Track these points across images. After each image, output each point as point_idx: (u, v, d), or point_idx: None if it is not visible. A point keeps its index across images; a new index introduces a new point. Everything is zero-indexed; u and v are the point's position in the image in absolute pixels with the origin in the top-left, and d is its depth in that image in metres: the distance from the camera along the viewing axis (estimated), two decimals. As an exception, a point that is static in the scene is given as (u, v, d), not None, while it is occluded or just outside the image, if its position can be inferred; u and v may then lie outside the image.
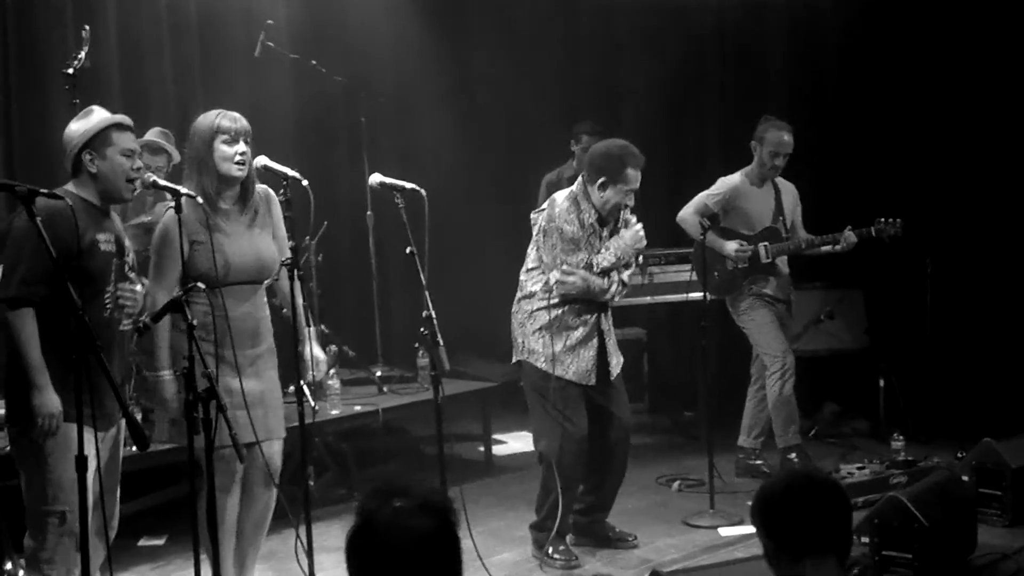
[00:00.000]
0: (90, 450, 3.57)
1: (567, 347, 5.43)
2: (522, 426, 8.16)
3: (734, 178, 6.79)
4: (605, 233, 5.52)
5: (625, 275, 5.55)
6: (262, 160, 4.70)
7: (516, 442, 7.85)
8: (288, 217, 4.61)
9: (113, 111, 6.88)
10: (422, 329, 4.71)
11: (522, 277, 5.59)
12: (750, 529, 5.85)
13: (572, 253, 5.40)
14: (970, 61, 7.87)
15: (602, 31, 8.77)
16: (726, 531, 5.87)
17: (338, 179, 8.00)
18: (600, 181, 5.43)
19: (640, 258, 5.97)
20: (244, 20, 7.60)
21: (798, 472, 2.92)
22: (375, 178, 5.08)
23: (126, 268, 4.24)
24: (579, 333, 5.45)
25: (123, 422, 4.21)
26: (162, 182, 4.41)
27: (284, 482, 5.41)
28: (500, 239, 8.15)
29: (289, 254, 4.66)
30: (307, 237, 6.61)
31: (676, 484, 6.70)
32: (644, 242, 5.55)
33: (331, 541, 5.86)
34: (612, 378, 5.59)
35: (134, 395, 5.77)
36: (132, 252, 4.34)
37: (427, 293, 4.83)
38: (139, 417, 5.50)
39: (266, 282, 4.80)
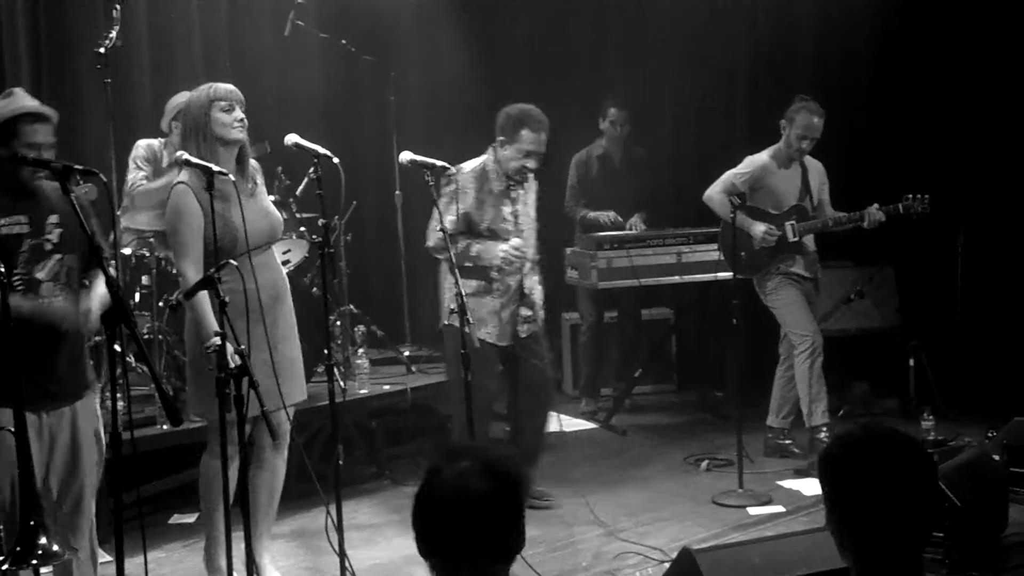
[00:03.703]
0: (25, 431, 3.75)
1: (490, 311, 5.67)
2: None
3: (762, 156, 6.75)
4: (520, 192, 5.72)
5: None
6: (293, 138, 4.72)
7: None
8: (319, 195, 4.62)
9: (143, 89, 7.02)
10: (451, 308, 4.72)
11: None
12: (778, 508, 5.87)
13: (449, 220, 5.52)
14: (1000, 35, 7.78)
15: (631, 9, 8.72)
16: (755, 510, 5.86)
17: (367, 159, 8.01)
18: (500, 141, 5.66)
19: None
20: (273, -1, 7.63)
21: (877, 428, 2.41)
22: (405, 156, 5.10)
23: (46, 247, 4.07)
24: (501, 298, 5.69)
25: (79, 404, 4.20)
26: (194, 160, 4.43)
27: (314, 461, 5.46)
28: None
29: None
30: (336, 216, 6.64)
31: (704, 463, 6.69)
32: (513, 264, 5.63)
33: (360, 519, 5.90)
34: (523, 336, 5.82)
35: (165, 373, 5.82)
36: (57, 229, 4.09)
37: (457, 272, 4.85)
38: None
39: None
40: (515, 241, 5.64)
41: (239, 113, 4.59)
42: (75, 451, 4.20)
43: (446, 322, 5.68)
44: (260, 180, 4.81)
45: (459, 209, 5.58)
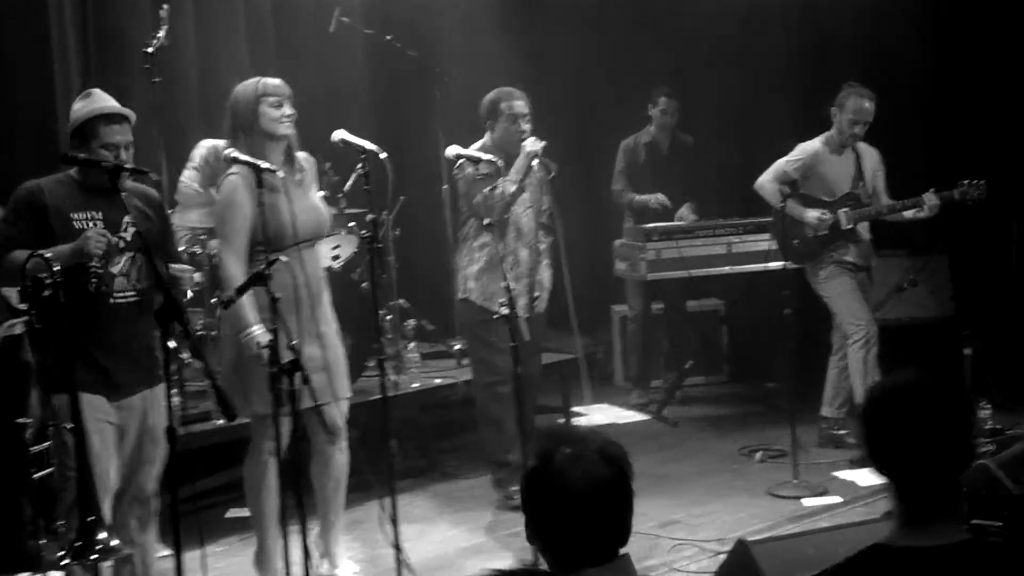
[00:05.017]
0: (95, 415, 3.98)
1: (501, 284, 5.69)
2: (602, 398, 8.18)
3: (814, 144, 6.68)
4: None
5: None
6: (340, 134, 4.74)
7: (597, 414, 7.84)
8: (367, 190, 4.63)
9: (189, 88, 7.06)
10: (500, 301, 4.72)
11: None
12: (834, 499, 5.82)
13: (482, 184, 5.72)
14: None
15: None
16: (809, 501, 5.82)
17: (413, 154, 8.01)
18: (488, 124, 5.89)
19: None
20: (319, -4, 7.65)
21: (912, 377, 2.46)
22: (452, 150, 5.12)
23: (119, 245, 4.17)
24: (512, 269, 5.82)
25: (149, 394, 4.28)
26: (243, 156, 4.46)
27: (365, 453, 5.47)
28: (576, 209, 8.10)
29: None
30: (384, 211, 6.64)
31: (758, 455, 6.65)
32: (537, 147, 5.78)
33: (413, 512, 5.92)
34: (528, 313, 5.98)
35: (219, 368, 5.85)
36: (130, 228, 4.18)
37: (505, 264, 4.85)
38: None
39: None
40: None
41: (288, 108, 4.60)
42: (144, 444, 4.29)
43: (461, 296, 5.98)
44: (312, 175, 4.84)
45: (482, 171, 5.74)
